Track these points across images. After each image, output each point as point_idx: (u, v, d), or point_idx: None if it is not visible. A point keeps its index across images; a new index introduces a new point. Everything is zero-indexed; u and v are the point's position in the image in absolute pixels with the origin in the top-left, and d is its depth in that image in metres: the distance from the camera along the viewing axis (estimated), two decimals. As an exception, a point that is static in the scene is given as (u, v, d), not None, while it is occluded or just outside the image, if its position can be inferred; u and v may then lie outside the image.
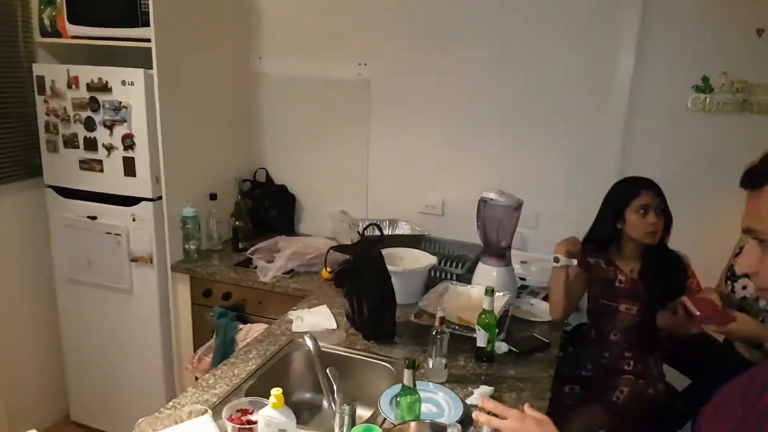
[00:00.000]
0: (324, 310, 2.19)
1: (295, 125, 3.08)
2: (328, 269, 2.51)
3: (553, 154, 2.65)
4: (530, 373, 1.82)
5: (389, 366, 1.80)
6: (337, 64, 2.88)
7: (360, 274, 1.92)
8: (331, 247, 2.49)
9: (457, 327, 1.96)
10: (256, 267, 2.59)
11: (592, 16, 2.47)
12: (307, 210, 3.15)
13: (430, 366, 1.74)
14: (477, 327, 1.83)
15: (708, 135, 2.41)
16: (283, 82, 3.03)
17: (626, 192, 2.09)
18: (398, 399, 1.41)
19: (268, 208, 3.05)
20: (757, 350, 1.63)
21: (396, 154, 2.91)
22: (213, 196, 2.81)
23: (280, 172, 3.16)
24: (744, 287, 1.70)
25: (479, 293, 2.15)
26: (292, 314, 2.14)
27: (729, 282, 1.76)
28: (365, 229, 2.47)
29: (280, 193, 3.13)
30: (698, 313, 1.70)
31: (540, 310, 2.26)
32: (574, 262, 2.04)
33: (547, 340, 2.02)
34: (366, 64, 2.83)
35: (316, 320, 2.09)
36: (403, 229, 2.75)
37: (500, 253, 2.27)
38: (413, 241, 2.59)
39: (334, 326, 2.06)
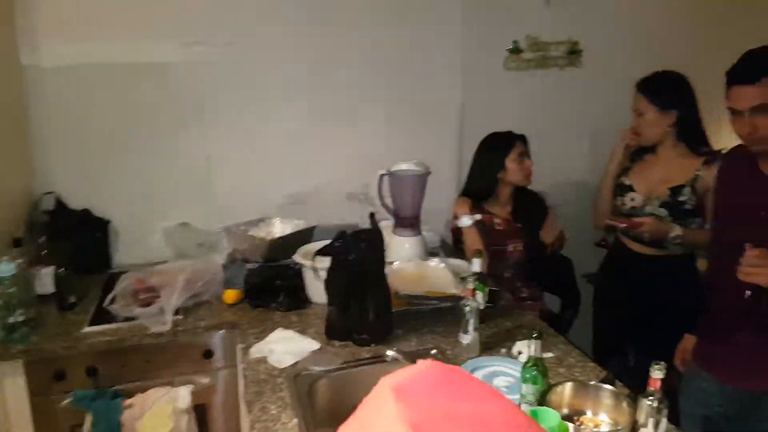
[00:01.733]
0: (284, 333, 1.84)
1: (95, 131, 2.36)
2: (231, 291, 2.09)
3: (400, 121, 2.72)
4: (517, 317, 1.96)
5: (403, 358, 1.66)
6: (154, 44, 2.31)
7: (357, 274, 1.68)
8: (318, 252, 1.92)
9: (435, 300, 1.93)
10: (121, 319, 1.96)
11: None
12: (127, 235, 2.48)
13: (466, 342, 1.69)
14: (476, 291, 1.84)
15: (526, 88, 2.86)
16: (73, 75, 2.27)
17: (504, 143, 2.34)
18: (533, 373, 1.35)
19: (78, 242, 2.30)
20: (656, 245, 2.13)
21: (243, 146, 2.53)
22: (17, 242, 1.97)
23: (78, 194, 2.39)
24: (632, 199, 2.16)
25: (416, 266, 2.14)
26: (256, 351, 1.74)
27: (619, 197, 2.21)
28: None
29: (86, 220, 2.38)
30: (623, 225, 2.08)
31: (457, 266, 2.35)
32: (479, 216, 2.23)
33: (496, 288, 2.15)
34: (198, 43, 2.35)
35: (291, 347, 1.75)
36: (286, 225, 2.45)
37: (411, 223, 2.28)
38: (306, 236, 2.35)
39: (317, 345, 1.77)
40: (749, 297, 1.45)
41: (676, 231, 2.00)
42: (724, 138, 2.03)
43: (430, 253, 2.33)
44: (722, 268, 1.60)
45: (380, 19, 2.59)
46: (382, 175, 2.27)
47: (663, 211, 2.06)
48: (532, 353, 1.37)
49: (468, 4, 2.68)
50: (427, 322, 1.89)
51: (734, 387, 1.66)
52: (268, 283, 2.10)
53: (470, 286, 1.69)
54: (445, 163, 2.71)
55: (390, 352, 1.55)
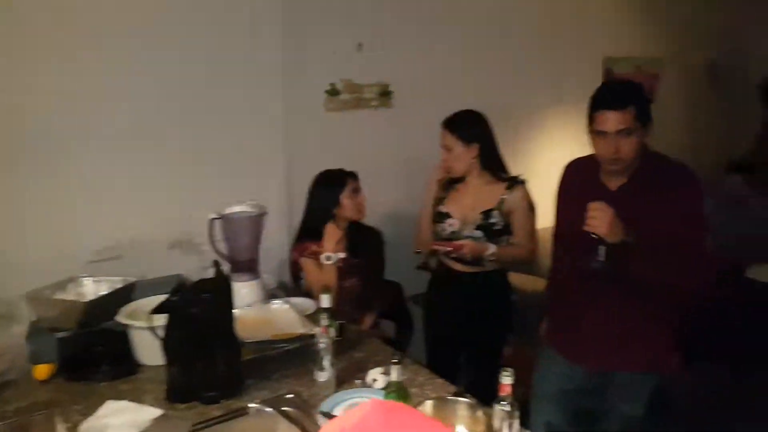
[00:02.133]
0: (117, 405, 1.63)
1: None
2: (42, 365, 1.80)
3: (224, 164, 2.64)
4: (364, 346, 2.01)
5: (271, 408, 1.61)
6: None
7: (202, 327, 1.57)
8: (155, 309, 1.65)
9: (284, 343, 1.89)
10: None
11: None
12: None
13: (323, 379, 1.69)
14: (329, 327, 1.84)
15: (346, 127, 2.98)
16: None
17: (337, 180, 2.42)
18: (395, 396, 1.39)
19: None
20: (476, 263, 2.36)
21: (40, 198, 2.22)
22: None
23: None
24: (451, 225, 2.36)
25: (258, 311, 2.09)
26: (87, 429, 1.52)
27: (439, 224, 2.39)
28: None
29: None
30: (448, 249, 2.27)
31: (301, 304, 2.33)
32: (342, 255, 2.27)
33: (343, 321, 2.17)
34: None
35: (129, 418, 1.56)
36: (100, 285, 2.18)
37: (250, 267, 2.22)
38: (126, 294, 2.13)
39: (159, 411, 1.60)
40: (601, 257, 1.68)
41: (492, 249, 2.25)
42: (516, 166, 2.37)
43: (270, 296, 2.27)
44: (565, 265, 1.92)
45: (193, 65, 2.51)
46: (213, 219, 2.17)
47: (479, 233, 2.29)
48: (393, 378, 1.41)
49: (288, 49, 2.73)
50: (277, 367, 1.83)
51: (585, 368, 1.93)
52: (87, 352, 1.86)
53: (324, 322, 1.69)
54: (272, 203, 2.68)
55: (252, 405, 1.48)
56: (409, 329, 2.75)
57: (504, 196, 2.30)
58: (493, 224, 2.29)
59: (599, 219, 1.66)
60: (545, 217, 2.28)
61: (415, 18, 3.11)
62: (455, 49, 3.28)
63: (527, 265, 2.60)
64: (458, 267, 2.39)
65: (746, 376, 3.10)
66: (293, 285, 2.53)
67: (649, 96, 2.89)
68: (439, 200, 2.42)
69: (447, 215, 2.38)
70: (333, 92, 2.93)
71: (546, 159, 3.58)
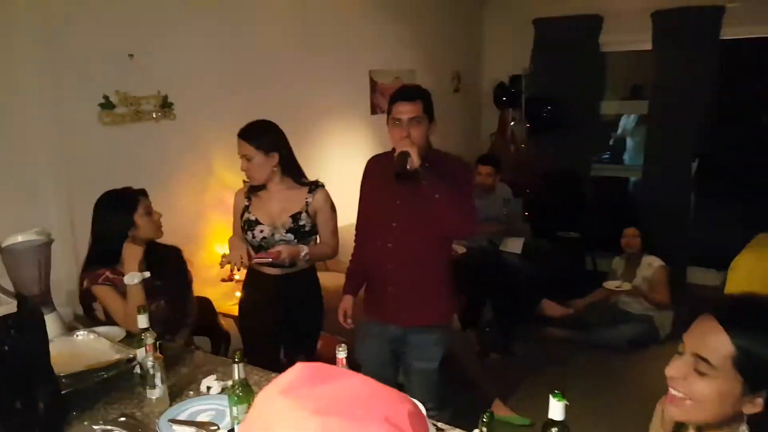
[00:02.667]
0: None
1: None
2: None
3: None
4: (187, 359, 2.02)
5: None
6: None
7: (16, 367, 1.44)
8: None
9: (101, 372, 1.80)
10: None
11: None
12: None
13: (156, 396, 1.67)
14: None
15: (126, 142, 2.82)
16: None
17: (128, 200, 2.29)
18: (240, 394, 1.47)
19: None
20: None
21: None
22: None
23: None
24: (261, 231, 2.42)
25: (63, 345, 1.93)
26: None
27: (249, 232, 2.43)
28: None
29: None
30: (268, 259, 2.36)
31: (108, 332, 2.18)
32: (148, 274, 2.19)
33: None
34: None
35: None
36: None
37: (43, 301, 2.03)
38: None
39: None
40: (409, 166, 2.08)
41: (305, 250, 2.40)
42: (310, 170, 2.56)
43: (70, 328, 2.10)
44: (369, 245, 2.36)
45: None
46: (-5, 252, 1.93)
47: (290, 236, 2.42)
48: (236, 377, 1.48)
49: (53, 63, 2.52)
50: (99, 397, 1.74)
51: (397, 325, 2.32)
52: None
53: (149, 341, 1.66)
54: (54, 230, 2.44)
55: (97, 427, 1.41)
56: (225, 341, 2.77)
57: (308, 199, 2.46)
58: (303, 226, 2.44)
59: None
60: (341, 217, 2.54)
61: (190, 28, 3.09)
62: (238, 60, 3.34)
63: (330, 259, 2.80)
64: (271, 271, 2.49)
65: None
66: (86, 316, 2.35)
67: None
68: (244, 208, 2.50)
69: (256, 222, 2.46)
70: (107, 105, 2.77)
71: (335, 162, 3.87)
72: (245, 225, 2.47)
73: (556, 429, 1.19)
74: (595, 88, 5.24)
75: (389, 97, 2.26)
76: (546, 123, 5.23)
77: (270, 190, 2.49)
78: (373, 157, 2.46)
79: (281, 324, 2.52)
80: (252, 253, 2.42)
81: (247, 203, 2.50)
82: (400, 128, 2.17)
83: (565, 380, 3.32)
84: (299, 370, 0.66)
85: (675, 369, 1.05)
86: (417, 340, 2.34)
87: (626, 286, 3.96)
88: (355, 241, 2.49)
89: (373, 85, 4.30)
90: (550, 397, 1.17)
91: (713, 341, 1.03)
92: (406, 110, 2.16)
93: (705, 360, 1.02)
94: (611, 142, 5.88)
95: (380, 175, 2.32)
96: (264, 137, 2.42)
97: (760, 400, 1.01)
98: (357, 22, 4.10)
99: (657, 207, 4.88)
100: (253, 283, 2.59)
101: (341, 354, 1.51)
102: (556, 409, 1.18)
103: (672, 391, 1.07)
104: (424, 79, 4.55)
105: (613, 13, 4.92)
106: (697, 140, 4.78)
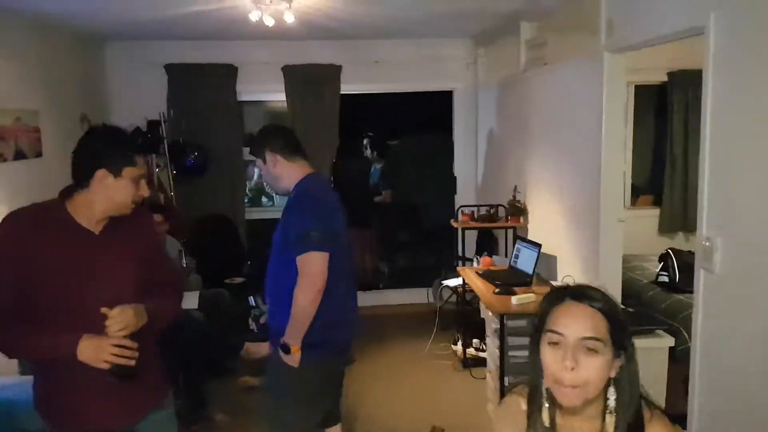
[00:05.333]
0: None
1: None
2: None
3: None
4: None
5: None
6: None
7: None
8: None
9: None
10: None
11: None
12: None
13: None
14: None
15: None
16: None
17: None
18: None
19: None
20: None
21: None
22: None
23: None
24: None
25: None
26: None
27: None
28: None
29: None
30: None
31: None
32: None
33: None
34: None
35: None
36: None
37: None
38: None
39: None
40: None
41: None
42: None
43: None
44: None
45: None
46: None
47: None
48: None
49: None
50: None
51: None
52: None
53: None
54: None
55: None
56: None
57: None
58: None
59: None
60: None
61: None
62: None
63: None
64: None
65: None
66: None
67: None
68: None
69: None
70: None
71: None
72: None
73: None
74: (236, 135, 5.35)
75: None
76: (193, 169, 5.06)
77: None
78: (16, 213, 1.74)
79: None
80: None
81: None
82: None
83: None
84: None
85: (568, 359, 1.17)
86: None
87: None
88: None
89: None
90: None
91: (593, 319, 1.18)
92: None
93: (594, 338, 1.17)
94: (247, 189, 6.07)
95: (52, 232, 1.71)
96: None
97: (618, 362, 1.22)
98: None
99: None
100: None
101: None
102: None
103: (566, 380, 1.18)
104: (49, 121, 3.84)
105: (246, 64, 5.15)
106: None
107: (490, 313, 3.40)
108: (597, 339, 1.17)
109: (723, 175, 2.14)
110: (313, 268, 2.21)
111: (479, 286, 3.56)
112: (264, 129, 2.58)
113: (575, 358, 1.16)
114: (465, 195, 5.60)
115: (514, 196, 4.19)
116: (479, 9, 3.91)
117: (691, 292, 3.83)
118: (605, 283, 3.15)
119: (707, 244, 2.22)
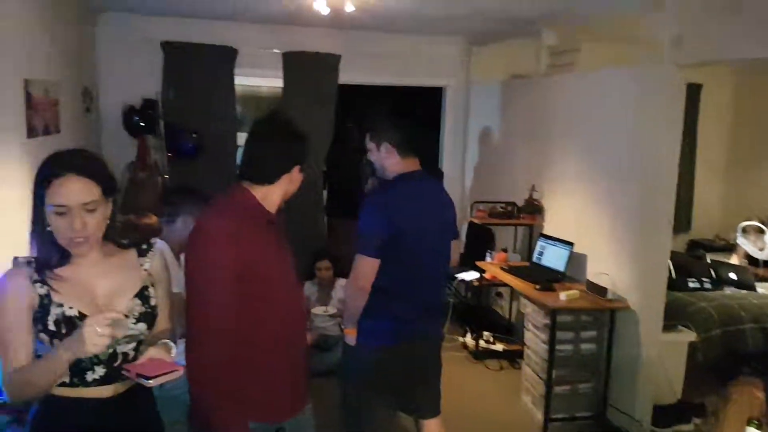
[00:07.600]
0: None
1: None
2: None
3: None
4: None
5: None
6: None
7: None
8: None
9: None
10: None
11: None
12: None
13: None
14: None
15: None
16: None
17: None
18: None
19: None
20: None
21: None
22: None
23: None
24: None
25: None
26: None
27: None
28: None
29: None
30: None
31: None
32: None
33: None
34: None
35: None
36: None
37: None
38: None
39: None
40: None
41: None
42: None
43: None
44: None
45: None
46: None
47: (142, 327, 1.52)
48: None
49: None
50: None
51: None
52: None
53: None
54: None
55: None
56: None
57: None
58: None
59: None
60: None
61: None
62: None
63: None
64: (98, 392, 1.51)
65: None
66: None
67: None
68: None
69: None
70: None
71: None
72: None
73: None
74: (230, 118, 5.14)
75: None
76: (187, 151, 4.81)
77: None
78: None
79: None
80: None
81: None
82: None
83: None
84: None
85: None
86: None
87: (331, 309, 4.09)
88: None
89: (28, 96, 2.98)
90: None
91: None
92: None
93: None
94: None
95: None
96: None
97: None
98: None
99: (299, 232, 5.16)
100: (55, 412, 1.51)
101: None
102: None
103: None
104: (64, 94, 3.52)
105: (245, 47, 4.95)
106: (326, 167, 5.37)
107: (529, 309, 3.55)
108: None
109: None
110: (356, 270, 2.34)
111: (517, 282, 3.69)
112: (388, 119, 2.55)
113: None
114: (451, 191, 5.70)
115: (531, 195, 4.35)
116: (498, 11, 3.93)
117: (689, 290, 4.17)
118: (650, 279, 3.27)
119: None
